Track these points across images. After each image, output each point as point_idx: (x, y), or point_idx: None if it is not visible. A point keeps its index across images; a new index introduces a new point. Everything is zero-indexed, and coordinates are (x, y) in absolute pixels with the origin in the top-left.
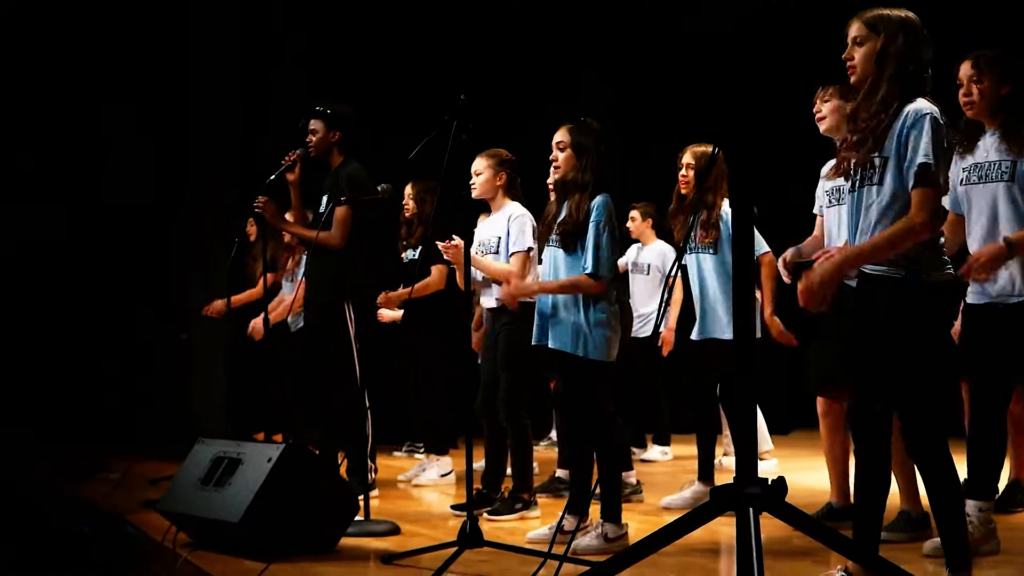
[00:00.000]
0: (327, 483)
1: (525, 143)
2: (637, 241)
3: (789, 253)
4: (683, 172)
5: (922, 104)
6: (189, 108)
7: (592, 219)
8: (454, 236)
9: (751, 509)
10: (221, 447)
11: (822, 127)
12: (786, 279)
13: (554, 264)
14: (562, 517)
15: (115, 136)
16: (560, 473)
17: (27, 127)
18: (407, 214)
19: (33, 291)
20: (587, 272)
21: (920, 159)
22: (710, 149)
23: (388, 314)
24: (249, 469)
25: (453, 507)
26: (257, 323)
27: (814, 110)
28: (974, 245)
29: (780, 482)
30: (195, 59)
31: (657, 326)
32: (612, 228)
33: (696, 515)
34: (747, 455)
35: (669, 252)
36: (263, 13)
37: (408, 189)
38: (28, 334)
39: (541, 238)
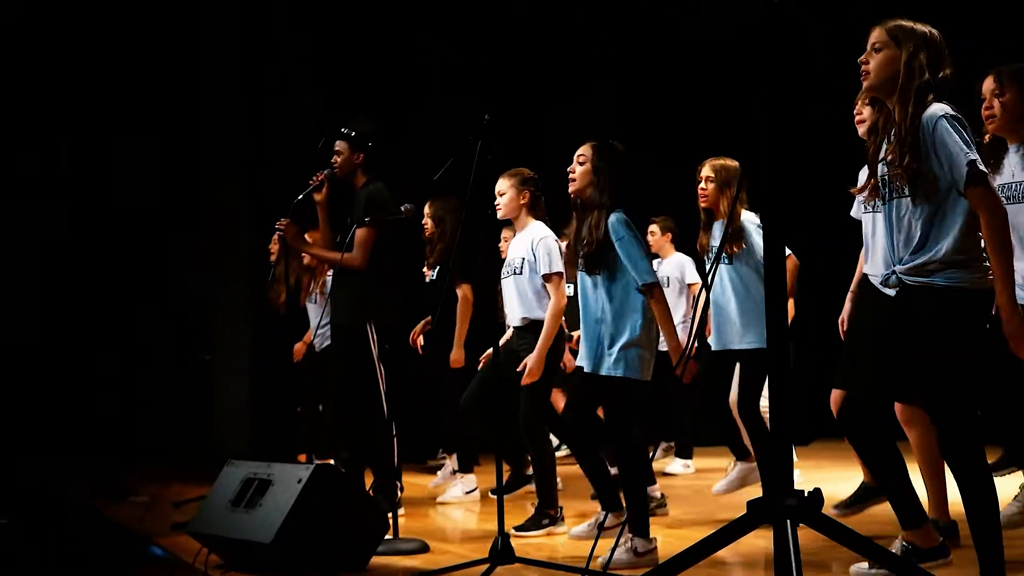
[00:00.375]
0: (356, 502)
1: (541, 155)
2: (656, 255)
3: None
4: (702, 185)
5: (934, 108)
6: (205, 111)
7: (614, 238)
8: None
9: (788, 522)
10: (251, 468)
11: (861, 130)
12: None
13: (583, 289)
14: (604, 516)
15: (123, 138)
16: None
17: (30, 126)
18: (427, 234)
19: (52, 301)
20: (644, 286)
21: (966, 160)
22: (729, 162)
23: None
24: (280, 490)
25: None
26: (299, 348)
27: (855, 111)
28: None
29: (816, 493)
30: (207, 59)
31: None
32: (636, 236)
33: (733, 528)
34: (781, 466)
35: (688, 263)
36: (267, 16)
37: (426, 208)
38: (46, 353)
39: (569, 262)
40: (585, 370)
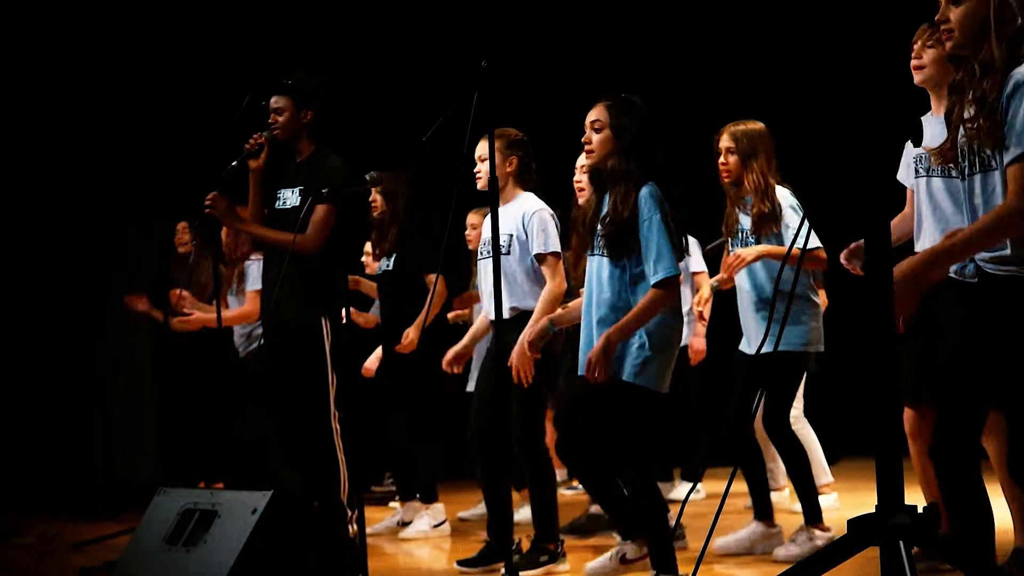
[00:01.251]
0: (323, 536)
1: (531, 123)
2: None
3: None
4: (722, 159)
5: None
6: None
7: (642, 216)
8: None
9: (901, 543)
10: (189, 498)
11: (918, 77)
12: (854, 270)
13: (598, 276)
14: (625, 549)
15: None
16: (595, 509)
17: None
18: (375, 214)
19: None
20: (656, 282)
21: (1021, 128)
22: (752, 125)
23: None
24: (228, 523)
25: (460, 563)
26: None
27: (912, 55)
28: None
29: (932, 509)
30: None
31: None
32: (667, 221)
33: (833, 552)
34: (890, 478)
35: (693, 248)
36: None
37: None
38: None
39: (577, 244)
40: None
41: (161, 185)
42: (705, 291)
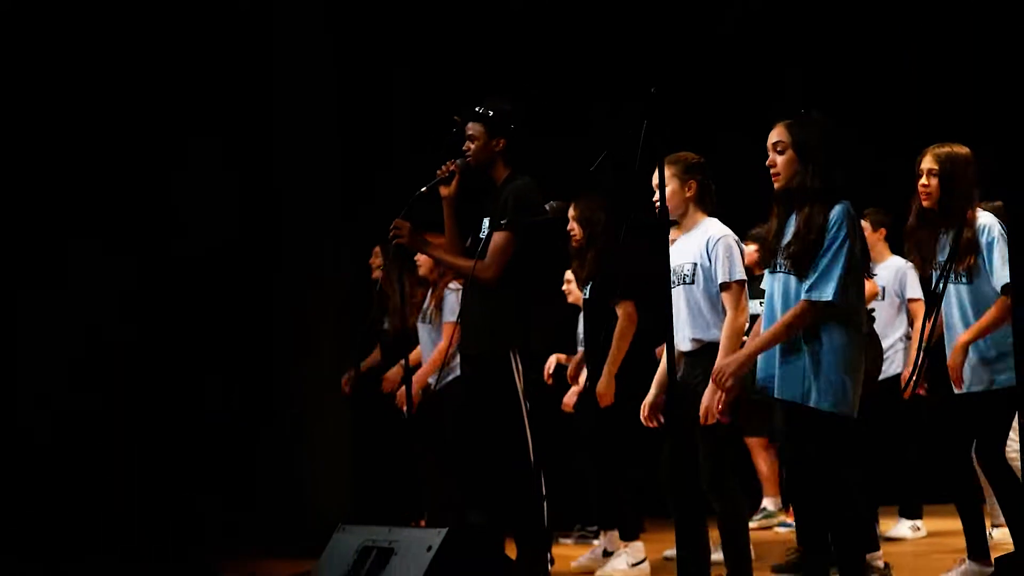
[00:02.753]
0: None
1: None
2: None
3: None
4: (923, 180)
5: None
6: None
7: (829, 235)
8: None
9: None
10: (368, 535)
11: None
12: None
13: (783, 295)
14: None
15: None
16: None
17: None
18: (574, 242)
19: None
20: (810, 297)
21: None
22: (958, 149)
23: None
24: (405, 560)
25: None
26: (393, 376)
27: None
28: None
29: None
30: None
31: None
32: (854, 244)
33: None
34: None
35: (909, 271)
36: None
37: (571, 210)
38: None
39: (758, 264)
40: (780, 397)
41: (354, 214)
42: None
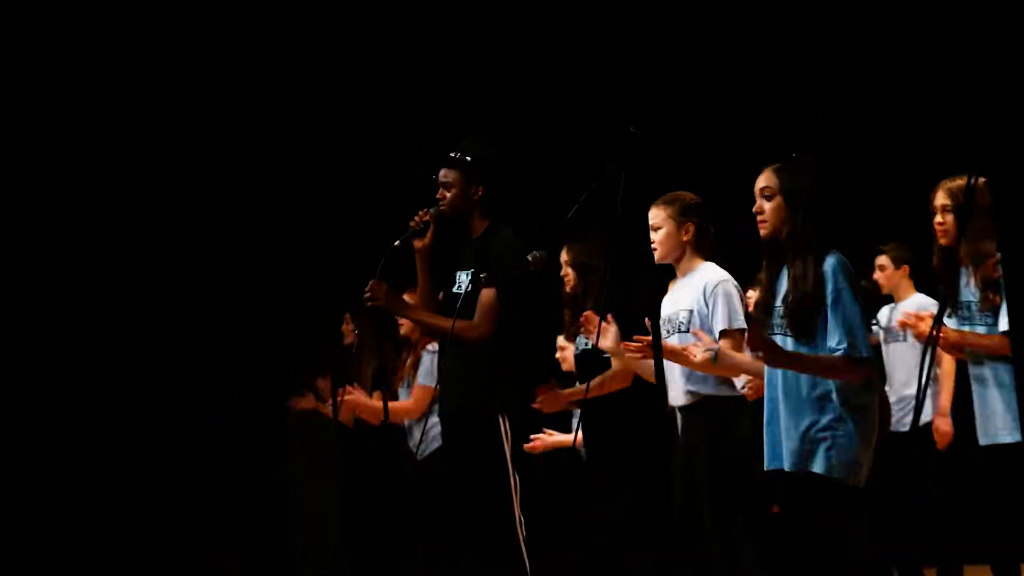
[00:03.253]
0: None
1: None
2: (888, 298)
3: None
4: (938, 218)
5: None
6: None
7: (829, 288)
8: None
9: None
10: None
11: None
12: None
13: None
14: None
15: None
16: None
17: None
18: (568, 289)
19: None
20: (844, 353)
21: None
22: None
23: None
24: None
25: None
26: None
27: None
28: None
29: None
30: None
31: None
32: (858, 297)
33: None
34: None
35: (935, 308)
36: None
37: (563, 256)
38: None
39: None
40: (785, 468)
41: (354, 214)
42: (947, 364)
